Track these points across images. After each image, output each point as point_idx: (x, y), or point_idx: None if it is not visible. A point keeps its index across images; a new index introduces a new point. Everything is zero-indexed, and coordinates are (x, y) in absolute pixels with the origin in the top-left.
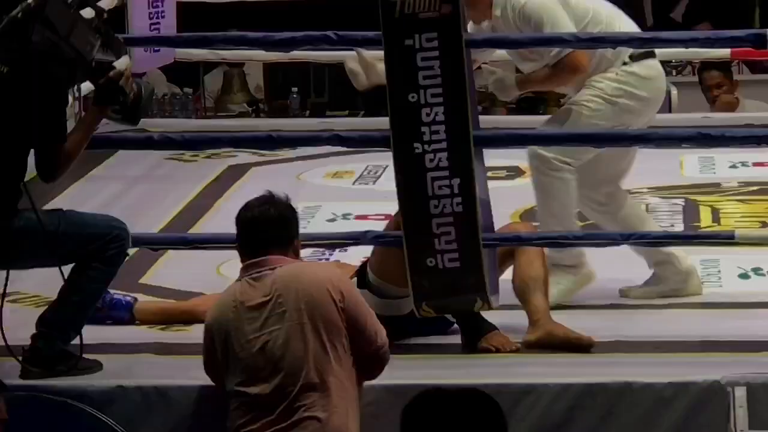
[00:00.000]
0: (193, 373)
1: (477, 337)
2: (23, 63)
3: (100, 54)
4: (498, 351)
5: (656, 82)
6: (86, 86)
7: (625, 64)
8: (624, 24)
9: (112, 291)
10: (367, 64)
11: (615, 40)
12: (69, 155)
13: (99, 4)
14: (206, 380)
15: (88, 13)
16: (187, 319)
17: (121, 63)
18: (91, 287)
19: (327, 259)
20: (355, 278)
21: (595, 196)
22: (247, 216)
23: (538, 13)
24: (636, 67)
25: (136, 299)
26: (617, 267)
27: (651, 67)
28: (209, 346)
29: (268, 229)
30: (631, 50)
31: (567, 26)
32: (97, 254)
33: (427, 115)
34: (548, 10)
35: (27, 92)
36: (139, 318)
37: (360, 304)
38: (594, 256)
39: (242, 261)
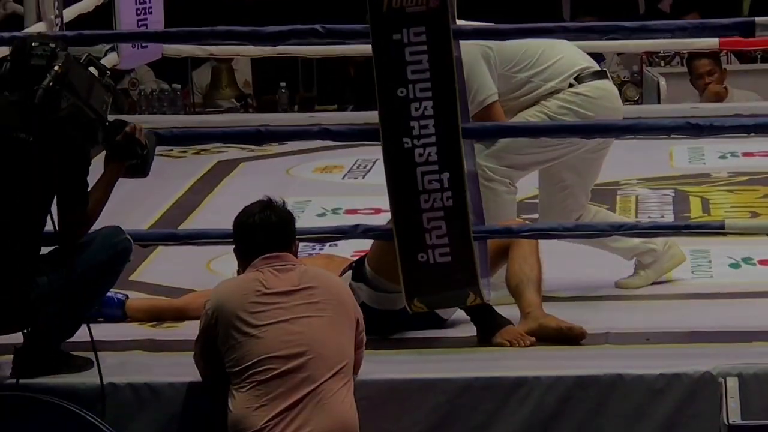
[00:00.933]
0: (184, 370)
1: (491, 332)
2: (48, 130)
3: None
4: (512, 345)
5: (604, 101)
6: None
7: (571, 86)
8: (563, 50)
9: None
10: None
11: (605, 29)
12: (90, 217)
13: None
14: (198, 377)
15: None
16: (179, 316)
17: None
18: (91, 291)
19: (318, 253)
20: (350, 271)
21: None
22: (249, 222)
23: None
24: (582, 88)
25: (127, 296)
26: (606, 259)
27: (599, 88)
28: (210, 326)
29: (272, 233)
30: (577, 73)
31: (484, 82)
32: (106, 272)
33: (416, 109)
34: (467, 62)
35: (49, 159)
36: (131, 315)
37: (362, 321)
38: (581, 249)
39: (242, 263)
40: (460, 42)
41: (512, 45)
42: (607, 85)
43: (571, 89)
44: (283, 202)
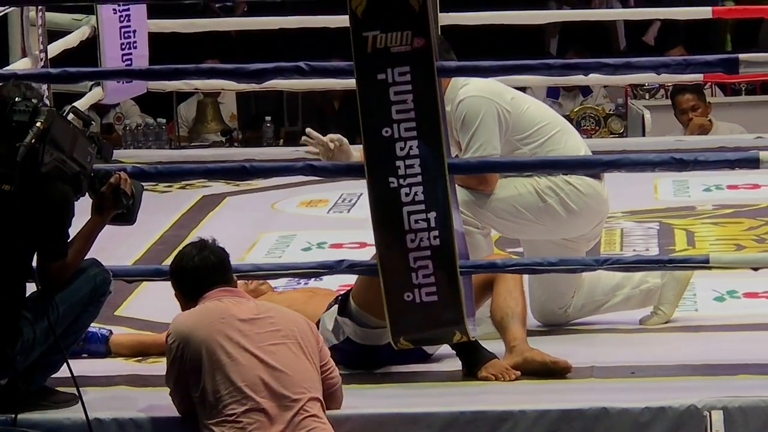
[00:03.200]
0: (169, 405)
1: (476, 366)
2: (31, 184)
3: (96, 162)
4: (497, 379)
5: (591, 200)
6: None
7: (566, 174)
8: (572, 141)
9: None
10: (329, 153)
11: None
12: (70, 266)
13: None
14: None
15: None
16: (162, 350)
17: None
18: (75, 327)
19: (302, 287)
20: (336, 305)
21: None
22: (190, 265)
23: (467, 114)
24: (575, 180)
25: (111, 332)
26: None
27: (591, 186)
28: (176, 358)
29: (214, 271)
30: None
31: (490, 139)
32: (88, 306)
33: (401, 149)
34: (478, 115)
35: (31, 211)
36: (116, 351)
37: (327, 350)
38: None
39: (188, 306)
40: (481, 93)
41: (529, 117)
42: (599, 187)
43: (564, 177)
44: (214, 240)
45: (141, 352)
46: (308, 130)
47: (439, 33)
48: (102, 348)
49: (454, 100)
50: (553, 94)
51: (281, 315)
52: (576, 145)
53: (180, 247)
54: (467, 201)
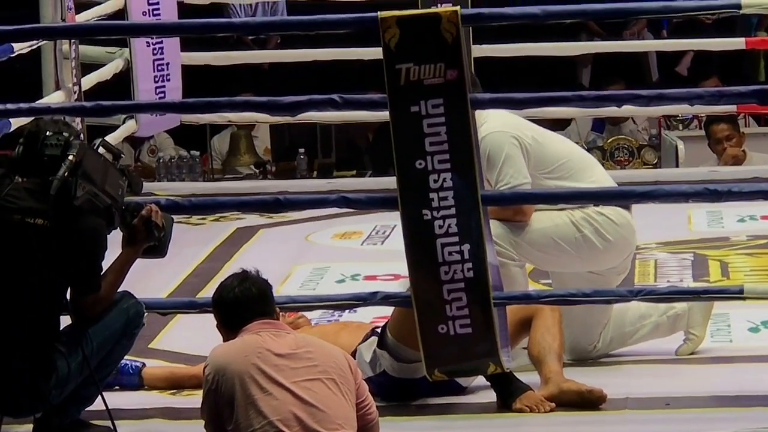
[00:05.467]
0: None
1: (511, 398)
2: (64, 217)
3: (127, 195)
4: (532, 411)
5: (623, 230)
6: None
7: (596, 205)
8: (597, 175)
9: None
10: None
11: (622, 98)
12: (103, 299)
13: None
14: None
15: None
16: (197, 383)
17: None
18: (109, 360)
19: (336, 320)
20: (374, 337)
21: None
22: (230, 296)
23: (492, 150)
24: (608, 210)
25: (144, 364)
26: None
27: (622, 216)
28: (211, 390)
29: (255, 304)
30: None
31: (518, 171)
32: (121, 338)
33: (435, 181)
34: (502, 150)
35: (65, 245)
36: (148, 383)
37: (365, 385)
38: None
39: (229, 337)
40: (502, 128)
41: (552, 152)
42: (629, 218)
43: (596, 208)
44: (257, 272)
45: (174, 384)
46: None
47: (472, 65)
48: (135, 380)
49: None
50: (598, 128)
51: (320, 350)
52: (600, 179)
53: (214, 280)
54: (503, 233)
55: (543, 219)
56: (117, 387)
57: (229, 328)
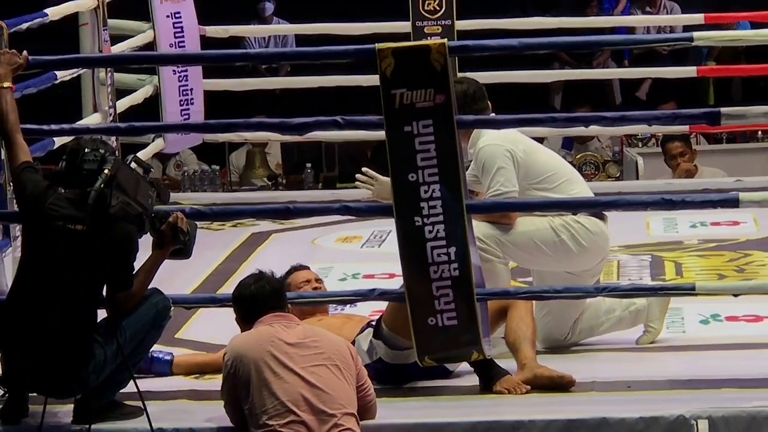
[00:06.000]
0: (223, 416)
1: (492, 382)
2: (101, 224)
3: (156, 203)
4: (510, 393)
5: (598, 238)
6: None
7: (574, 214)
8: (580, 188)
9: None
10: (378, 188)
11: (589, 119)
12: (135, 295)
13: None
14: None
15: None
16: (217, 369)
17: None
18: (140, 348)
19: (340, 312)
20: (370, 328)
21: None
22: (246, 293)
23: (487, 159)
24: (584, 219)
25: (173, 355)
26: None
27: (597, 225)
28: (230, 374)
29: (268, 299)
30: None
31: (508, 180)
32: (151, 329)
33: (425, 192)
34: (496, 160)
35: (101, 248)
36: (178, 372)
37: (364, 370)
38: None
39: (244, 327)
40: (498, 141)
41: (541, 165)
42: (604, 228)
43: (574, 216)
44: (272, 273)
45: (199, 371)
46: (365, 169)
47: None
48: (167, 369)
49: (476, 146)
50: (567, 146)
51: (325, 339)
52: (582, 191)
53: (232, 279)
54: (492, 233)
55: (527, 223)
56: (152, 374)
57: (246, 320)
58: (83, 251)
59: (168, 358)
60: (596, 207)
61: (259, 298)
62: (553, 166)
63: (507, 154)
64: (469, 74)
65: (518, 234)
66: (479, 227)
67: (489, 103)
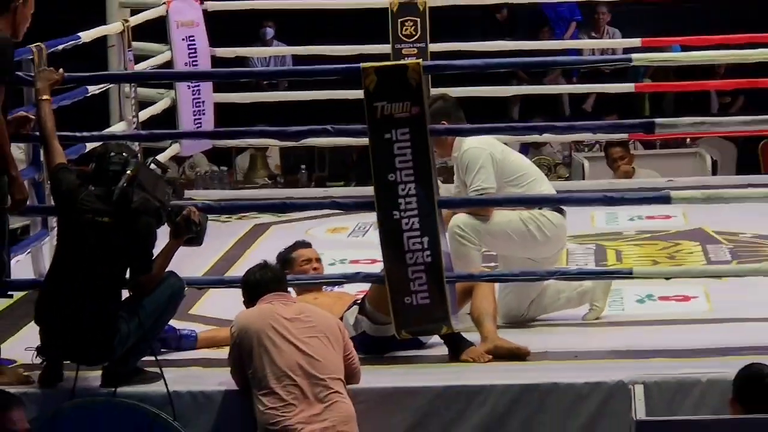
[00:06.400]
0: (230, 381)
1: (459, 352)
2: (124, 217)
3: (173, 199)
4: (474, 361)
5: (558, 231)
6: None
7: (540, 209)
8: (545, 187)
9: (179, 327)
10: None
11: (543, 128)
12: (154, 278)
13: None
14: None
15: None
16: (225, 339)
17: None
18: (158, 323)
19: (331, 291)
20: (356, 306)
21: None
22: (252, 279)
23: (470, 160)
24: (548, 214)
25: (196, 333)
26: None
27: (558, 218)
28: (236, 344)
29: (269, 284)
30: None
31: (488, 177)
32: (168, 307)
33: (402, 190)
34: (478, 161)
35: (125, 237)
36: (201, 346)
37: (350, 342)
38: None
39: (249, 305)
40: (479, 145)
41: (515, 166)
42: (564, 222)
43: (539, 211)
44: (275, 263)
45: (217, 344)
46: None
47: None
48: (193, 345)
49: (460, 150)
50: (524, 151)
51: (317, 315)
52: (547, 189)
53: (237, 264)
54: (471, 223)
55: (500, 215)
56: (182, 350)
57: (251, 302)
58: (109, 240)
59: (193, 335)
60: (551, 203)
61: (262, 284)
62: (524, 167)
63: (487, 156)
64: (441, 89)
65: (493, 225)
66: (461, 218)
67: (463, 113)
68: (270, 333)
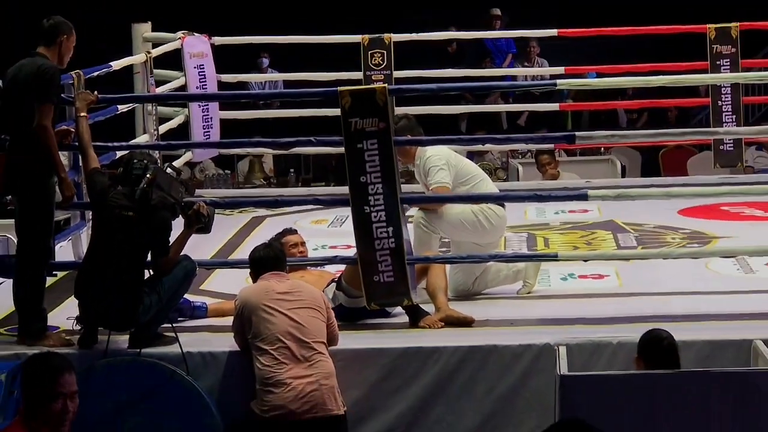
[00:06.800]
0: (233, 344)
1: (417, 320)
2: (145, 211)
3: (185, 196)
4: (430, 327)
5: (501, 221)
6: None
7: (486, 203)
8: (489, 186)
9: (192, 300)
10: None
11: (485, 139)
12: (171, 260)
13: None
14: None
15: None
16: (230, 310)
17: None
18: (174, 297)
19: (315, 270)
20: (334, 282)
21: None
22: (256, 256)
23: (432, 163)
24: (493, 207)
25: (206, 304)
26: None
27: (501, 211)
28: (239, 314)
29: (270, 262)
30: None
31: (445, 176)
32: (183, 284)
33: (372, 189)
34: (438, 164)
35: (146, 228)
36: (211, 316)
37: (332, 312)
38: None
39: (256, 277)
40: (437, 153)
41: (466, 170)
42: (505, 214)
43: (486, 205)
44: (279, 243)
45: (223, 314)
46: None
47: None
48: (204, 314)
49: (422, 157)
50: (470, 158)
51: (306, 290)
52: (490, 189)
53: (238, 249)
54: (431, 216)
55: (455, 208)
56: (195, 318)
57: (256, 275)
58: (133, 231)
59: (204, 307)
60: (494, 200)
61: (264, 260)
62: (472, 170)
63: (444, 160)
64: (405, 108)
65: (449, 215)
66: (423, 211)
67: (421, 128)
68: (266, 305)
